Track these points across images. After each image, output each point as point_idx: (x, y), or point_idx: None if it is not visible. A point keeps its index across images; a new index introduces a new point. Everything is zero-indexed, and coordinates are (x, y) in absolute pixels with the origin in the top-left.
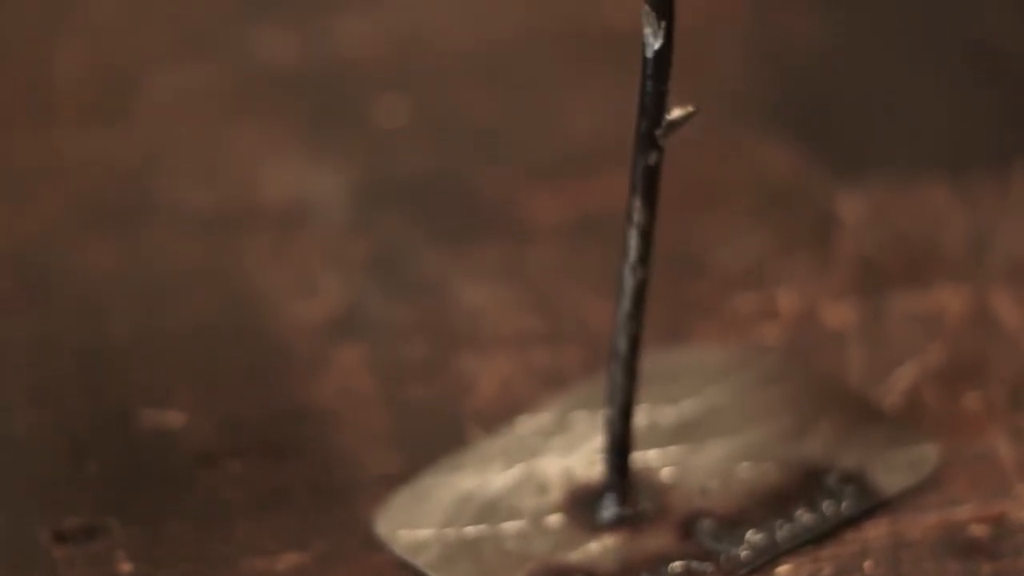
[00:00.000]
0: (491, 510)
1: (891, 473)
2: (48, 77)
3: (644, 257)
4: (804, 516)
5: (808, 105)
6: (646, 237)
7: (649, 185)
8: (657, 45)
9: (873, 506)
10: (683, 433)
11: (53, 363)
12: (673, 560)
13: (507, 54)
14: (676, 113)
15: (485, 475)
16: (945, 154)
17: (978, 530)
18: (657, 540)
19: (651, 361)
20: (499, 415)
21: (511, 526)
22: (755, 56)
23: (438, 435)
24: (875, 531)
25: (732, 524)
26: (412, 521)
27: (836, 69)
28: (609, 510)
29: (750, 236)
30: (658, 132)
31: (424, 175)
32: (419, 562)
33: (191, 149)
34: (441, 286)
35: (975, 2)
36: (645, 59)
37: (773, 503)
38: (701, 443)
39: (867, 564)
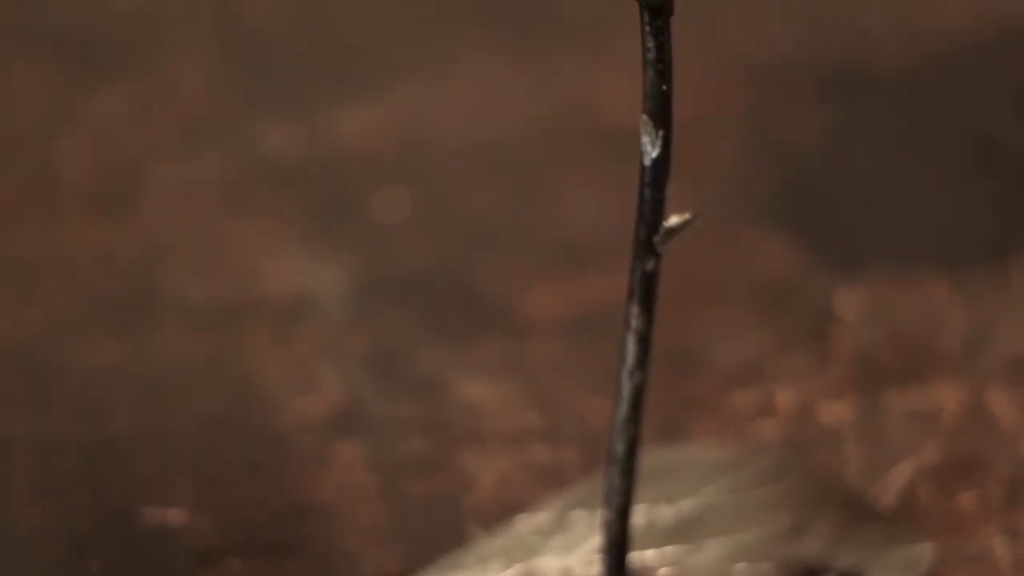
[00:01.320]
0: None
1: (887, 573)
2: (52, 170)
3: (642, 362)
4: None
5: (807, 200)
6: (644, 342)
7: (647, 291)
8: (655, 154)
9: None
10: (681, 533)
11: (55, 459)
12: None
13: (508, 149)
14: (674, 220)
15: (484, 575)
16: (944, 248)
17: None
18: None
19: (649, 459)
20: (498, 513)
21: None
22: (753, 149)
23: (438, 532)
24: None
25: None
26: None
27: (835, 163)
28: None
29: (748, 333)
30: (656, 239)
31: (424, 270)
32: None
33: (194, 243)
34: (441, 382)
35: (974, 95)
36: (643, 167)
37: None
38: (699, 543)
39: None
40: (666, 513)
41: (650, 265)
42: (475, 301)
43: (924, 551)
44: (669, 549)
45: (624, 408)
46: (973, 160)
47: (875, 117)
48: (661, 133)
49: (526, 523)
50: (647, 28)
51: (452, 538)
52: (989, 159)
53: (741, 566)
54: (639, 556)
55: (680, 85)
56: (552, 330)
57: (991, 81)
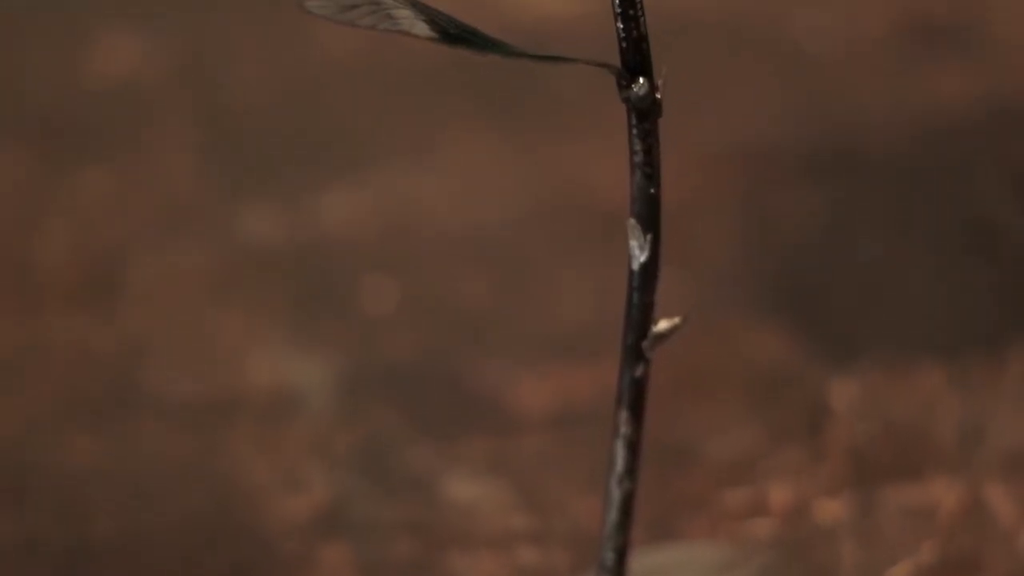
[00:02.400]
0: None
1: None
2: (30, 259)
3: (631, 469)
4: None
5: (800, 288)
6: (633, 449)
7: (636, 397)
8: (643, 258)
9: None
10: None
11: (31, 565)
12: None
13: (496, 234)
14: (663, 325)
15: None
16: (941, 337)
17: None
18: None
19: (639, 560)
20: None
21: None
22: (745, 236)
23: None
24: None
25: None
26: None
27: (828, 249)
28: None
29: (740, 427)
30: (645, 344)
31: (411, 363)
32: None
33: (176, 336)
34: (428, 481)
35: (972, 177)
36: (631, 271)
37: None
38: None
39: None
40: None
41: (639, 371)
42: (463, 396)
43: None
44: None
45: (613, 515)
46: (970, 245)
47: (870, 201)
48: (649, 237)
49: None
50: (634, 131)
51: None
52: (987, 244)
53: None
54: None
55: (670, 168)
56: (542, 426)
57: (989, 162)
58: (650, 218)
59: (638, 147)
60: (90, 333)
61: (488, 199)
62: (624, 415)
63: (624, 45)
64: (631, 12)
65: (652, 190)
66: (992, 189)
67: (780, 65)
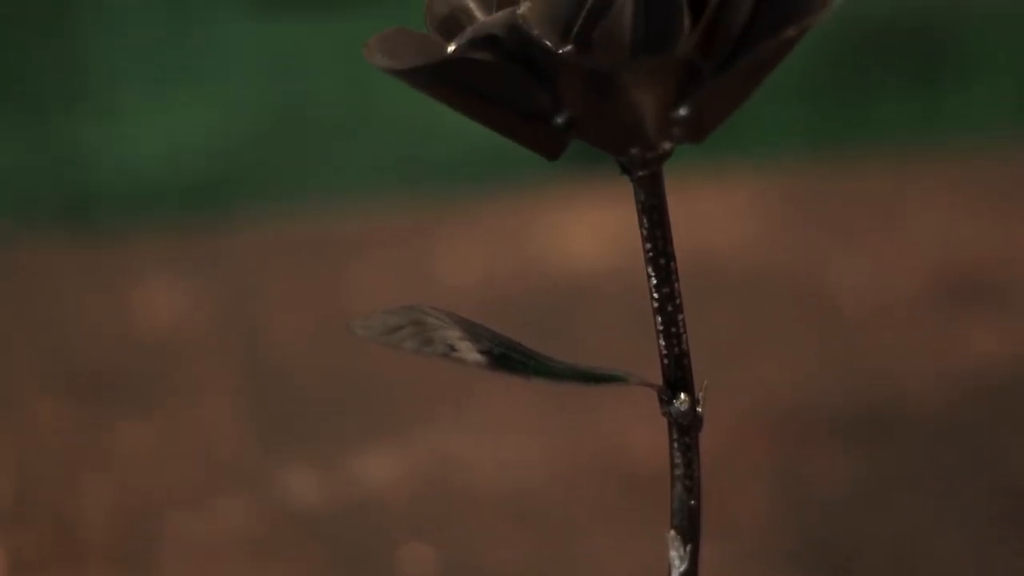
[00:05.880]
0: None
1: None
2: (74, 518)
3: None
4: None
5: (830, 556)
6: None
7: None
8: (683, 568)
9: None
10: None
11: None
12: None
13: (535, 497)
14: None
15: None
16: None
17: None
18: None
19: None
20: None
21: None
22: (777, 501)
23: None
24: None
25: None
26: None
27: (859, 516)
28: None
29: None
30: None
31: None
32: None
33: None
34: None
35: (1003, 442)
36: None
37: None
38: None
39: None
40: None
41: None
42: None
43: None
44: None
45: None
46: (1002, 514)
47: (901, 465)
48: (689, 548)
49: None
50: (675, 444)
51: None
52: (1017, 506)
53: None
54: None
55: (705, 431)
56: None
57: (1021, 425)
58: (691, 530)
59: (679, 460)
60: None
61: (526, 460)
62: None
63: (666, 362)
64: (673, 330)
65: (693, 502)
66: (1021, 453)
67: (813, 322)
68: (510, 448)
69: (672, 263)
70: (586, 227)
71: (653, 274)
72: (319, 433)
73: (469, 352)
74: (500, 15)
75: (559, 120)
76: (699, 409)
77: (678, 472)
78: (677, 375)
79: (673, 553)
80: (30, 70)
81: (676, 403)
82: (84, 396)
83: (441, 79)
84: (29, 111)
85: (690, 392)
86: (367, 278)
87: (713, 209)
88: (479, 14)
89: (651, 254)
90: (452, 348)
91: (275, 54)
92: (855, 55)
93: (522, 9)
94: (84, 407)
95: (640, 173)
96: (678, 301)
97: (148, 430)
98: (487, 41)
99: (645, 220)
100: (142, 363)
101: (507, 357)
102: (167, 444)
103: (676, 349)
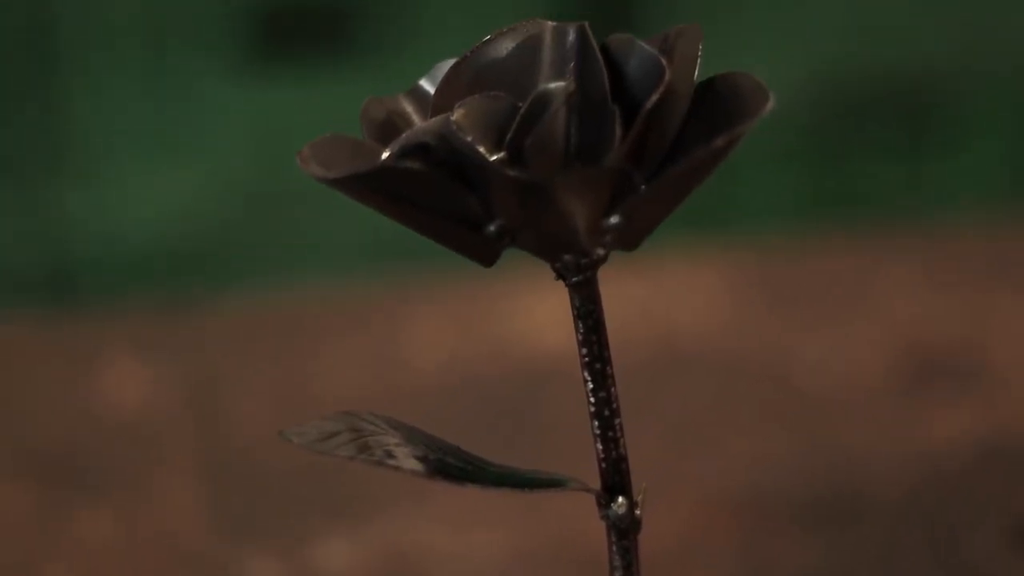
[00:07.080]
0: None
1: None
2: None
3: None
4: None
5: None
6: None
7: None
8: None
9: None
10: None
11: None
12: None
13: (496, 574)
14: None
15: None
16: None
17: None
18: None
19: None
20: None
21: None
22: None
23: None
24: None
25: None
26: None
27: None
28: None
29: None
30: None
31: None
32: None
33: None
34: None
35: (968, 526)
36: None
37: None
38: None
39: None
40: None
41: None
42: None
43: None
44: None
45: None
46: None
47: (864, 549)
48: None
49: None
50: (614, 547)
51: None
52: None
53: None
54: None
55: (662, 513)
56: None
57: (986, 508)
58: None
59: (618, 562)
60: None
61: (486, 548)
62: None
63: (604, 466)
64: (610, 434)
65: None
66: (988, 540)
67: (777, 404)
68: (470, 536)
69: (608, 368)
70: (551, 308)
71: (589, 379)
72: (281, 521)
73: (406, 459)
74: (433, 122)
75: (492, 228)
76: (637, 512)
77: (617, 575)
78: (615, 479)
79: None
80: (12, 136)
81: (614, 507)
82: (44, 480)
83: (373, 187)
84: (12, 179)
85: (628, 495)
86: (335, 361)
87: (683, 289)
88: (416, 118)
89: (587, 359)
90: (389, 454)
91: (257, 123)
92: (836, 123)
93: (455, 116)
94: (44, 492)
95: (575, 279)
96: (615, 405)
97: (108, 518)
98: (418, 149)
99: (580, 325)
100: (106, 447)
101: (444, 463)
102: (127, 533)
103: (614, 453)
